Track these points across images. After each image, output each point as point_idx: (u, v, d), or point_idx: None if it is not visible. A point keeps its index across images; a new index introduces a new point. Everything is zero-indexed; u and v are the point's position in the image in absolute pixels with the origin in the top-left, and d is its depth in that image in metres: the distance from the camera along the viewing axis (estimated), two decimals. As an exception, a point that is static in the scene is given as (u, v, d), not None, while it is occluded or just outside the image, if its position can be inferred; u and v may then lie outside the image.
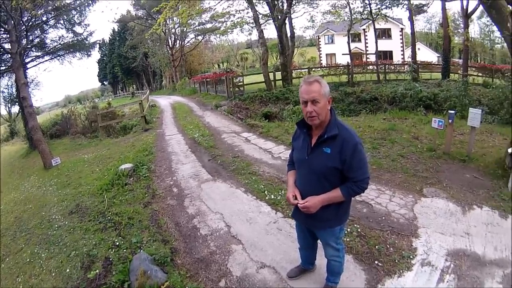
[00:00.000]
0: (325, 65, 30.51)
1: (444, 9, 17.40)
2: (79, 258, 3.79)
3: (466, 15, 16.28)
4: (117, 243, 3.92)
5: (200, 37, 42.54)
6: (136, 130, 12.48)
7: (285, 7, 16.28)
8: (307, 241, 2.61)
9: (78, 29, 15.14)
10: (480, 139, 6.58)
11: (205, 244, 3.67)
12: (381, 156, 5.88)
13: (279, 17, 15.98)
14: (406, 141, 6.55)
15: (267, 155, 6.86)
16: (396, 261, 2.97)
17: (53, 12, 13.19)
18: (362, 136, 6.99)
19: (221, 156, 6.98)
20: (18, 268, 4.04)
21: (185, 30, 37.40)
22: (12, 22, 9.87)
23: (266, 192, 4.80)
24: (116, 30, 53.47)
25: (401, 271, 2.85)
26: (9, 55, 11.05)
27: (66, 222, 4.98)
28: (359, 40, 35.64)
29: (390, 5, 19.77)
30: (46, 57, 14.87)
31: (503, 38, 5.49)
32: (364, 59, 28.40)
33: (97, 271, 3.41)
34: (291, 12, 18.86)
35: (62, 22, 14.33)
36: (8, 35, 10.58)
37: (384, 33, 34.45)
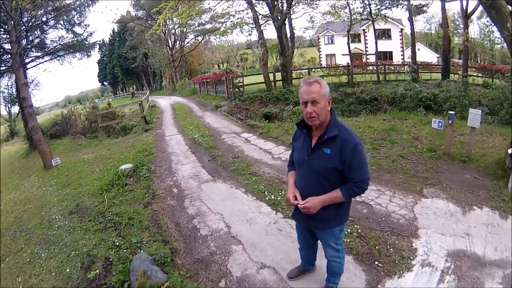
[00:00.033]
0: (325, 66, 30.53)
1: (443, 9, 17.43)
2: (79, 258, 3.79)
3: (466, 16, 16.29)
4: (117, 243, 3.92)
5: (200, 38, 42.59)
6: (136, 130, 12.48)
7: (284, 8, 16.29)
8: (307, 242, 2.61)
9: (78, 29, 15.18)
10: (480, 139, 6.58)
11: (205, 244, 3.67)
12: (381, 156, 5.88)
13: (279, 18, 15.98)
14: (406, 142, 6.56)
15: (267, 155, 6.86)
16: (396, 261, 2.97)
17: (53, 13, 13.19)
18: (362, 136, 7.00)
19: (221, 157, 6.98)
20: (18, 268, 4.04)
21: (185, 30, 37.45)
22: (12, 22, 9.87)
23: (266, 193, 4.80)
24: (116, 30, 53.54)
25: (401, 271, 2.85)
26: (9, 56, 11.05)
27: (66, 222, 4.97)
28: (359, 41, 35.67)
29: (389, 6, 19.76)
30: (46, 58, 14.89)
31: (502, 39, 5.50)
32: (364, 60, 28.41)
33: (97, 271, 3.41)
34: (291, 13, 18.87)
35: (62, 22, 14.35)
36: (8, 36, 10.58)
37: (384, 34, 34.47)
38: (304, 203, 2.07)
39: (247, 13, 16.93)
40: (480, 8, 14.39)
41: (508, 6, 4.84)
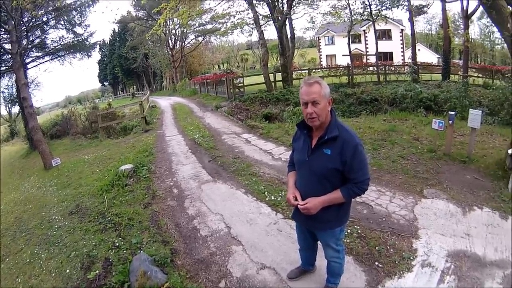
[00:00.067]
0: (326, 66, 30.54)
1: (444, 10, 17.43)
2: (79, 259, 3.79)
3: (466, 16, 16.30)
4: (117, 244, 3.92)
5: (200, 38, 42.64)
6: (136, 131, 12.48)
7: (285, 8, 16.31)
8: (307, 242, 2.61)
9: (78, 29, 15.22)
10: (481, 140, 6.58)
11: (205, 245, 3.67)
12: (381, 157, 5.87)
13: (279, 18, 16.00)
14: (406, 142, 6.55)
15: (267, 156, 6.86)
16: (397, 262, 2.97)
17: (53, 13, 13.21)
18: (362, 137, 6.99)
19: (222, 157, 6.98)
20: (18, 268, 4.04)
21: (185, 31, 37.48)
22: (13, 22, 9.89)
23: (266, 193, 4.80)
24: (117, 31, 53.62)
25: (401, 272, 2.85)
26: (10, 56, 11.07)
27: (66, 223, 4.97)
28: (359, 41, 35.65)
29: (390, 6, 19.77)
30: (47, 58, 14.92)
31: (503, 39, 5.49)
32: (364, 60, 28.41)
33: (97, 271, 3.40)
34: (291, 13, 18.85)
35: (62, 22, 14.38)
36: (8, 36, 10.60)
37: (384, 34, 34.47)
38: (304, 204, 2.07)
39: (248, 13, 16.94)
40: (481, 8, 14.39)
41: (509, 6, 4.84)
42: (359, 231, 3.52)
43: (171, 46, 40.97)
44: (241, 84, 17.04)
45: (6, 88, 17.61)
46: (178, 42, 41.32)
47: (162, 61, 42.38)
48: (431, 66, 22.31)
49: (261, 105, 14.31)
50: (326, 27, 35.46)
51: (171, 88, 38.71)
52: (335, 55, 36.30)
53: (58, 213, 5.49)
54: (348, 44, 21.52)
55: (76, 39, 15.15)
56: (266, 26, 19.90)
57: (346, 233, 3.42)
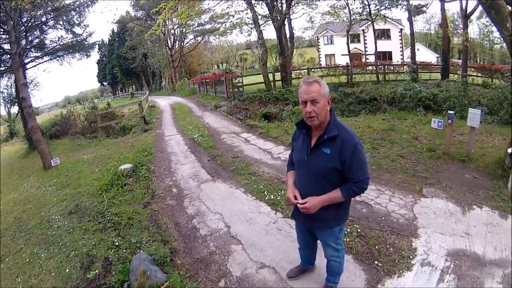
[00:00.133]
0: (325, 66, 30.52)
1: (443, 9, 17.42)
2: (79, 258, 3.78)
3: (465, 16, 16.29)
4: (117, 243, 3.92)
5: (199, 38, 42.62)
6: (136, 130, 12.48)
7: (284, 8, 16.30)
8: (306, 241, 2.61)
9: (77, 29, 15.16)
10: (480, 139, 6.59)
11: (205, 244, 3.67)
12: (380, 156, 5.88)
13: (278, 18, 15.98)
14: (405, 142, 6.56)
15: (266, 155, 6.86)
16: (396, 261, 2.97)
17: (52, 13, 13.18)
18: (361, 136, 7.00)
19: (221, 157, 6.98)
20: (17, 268, 4.03)
21: (184, 31, 37.46)
22: (12, 22, 9.86)
23: (265, 193, 4.80)
24: (116, 31, 53.53)
25: (401, 271, 2.85)
26: (9, 56, 11.03)
27: (66, 222, 4.97)
28: (358, 41, 35.71)
29: (389, 6, 19.77)
30: (46, 58, 14.87)
31: (502, 39, 5.50)
32: (363, 60, 28.44)
33: (97, 271, 3.40)
34: (290, 13, 18.88)
35: (61, 22, 14.35)
36: (7, 36, 10.56)
37: (383, 34, 34.48)
38: (303, 203, 2.07)
39: (247, 13, 16.94)
40: (480, 8, 14.40)
41: (508, 6, 4.84)
42: (358, 230, 3.53)
43: (170, 46, 40.95)
44: (240, 84, 17.01)
45: (5, 88, 17.66)
46: (177, 42, 41.31)
47: (161, 61, 42.34)
48: (430, 65, 22.30)
49: (260, 105, 14.30)
50: (325, 27, 35.51)
51: (170, 88, 38.70)
52: (334, 54, 36.30)
53: (58, 213, 5.49)
54: (347, 43, 21.53)
55: (75, 39, 15.12)
56: (265, 26, 19.91)
57: (345, 232, 3.42)
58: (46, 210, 5.81)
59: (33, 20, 11.75)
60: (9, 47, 10.45)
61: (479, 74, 19.37)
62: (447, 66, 17.91)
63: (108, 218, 4.70)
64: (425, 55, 35.16)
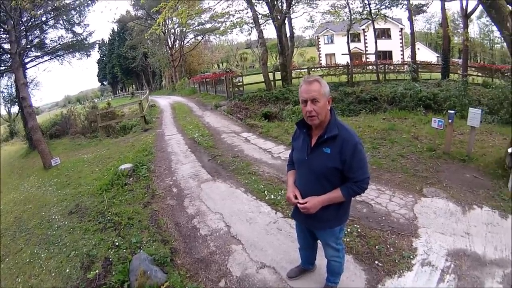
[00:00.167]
0: (325, 65, 30.50)
1: (443, 9, 17.41)
2: (79, 258, 3.79)
3: (466, 15, 16.28)
4: (117, 243, 3.92)
5: (199, 37, 42.52)
6: (136, 130, 12.48)
7: (284, 7, 16.29)
8: (307, 241, 2.60)
9: (77, 29, 15.15)
10: (480, 139, 6.58)
11: (205, 244, 3.67)
12: (381, 156, 5.87)
13: (279, 17, 15.98)
14: (406, 141, 6.55)
15: (266, 155, 6.86)
16: (396, 261, 2.97)
17: (52, 12, 13.17)
18: (362, 136, 6.99)
19: (221, 156, 6.98)
20: (17, 268, 4.03)
21: (184, 30, 37.39)
22: (12, 22, 9.86)
23: (266, 192, 4.79)
24: (116, 30, 53.50)
25: (401, 271, 2.85)
26: (9, 55, 11.03)
27: (66, 222, 4.97)
28: (359, 40, 35.65)
29: (389, 5, 19.77)
30: (46, 57, 14.87)
31: (502, 38, 5.49)
32: (363, 59, 28.43)
33: (97, 271, 3.40)
34: (291, 12, 18.87)
35: (61, 22, 14.33)
36: (7, 35, 10.56)
37: (384, 33, 34.44)
38: (303, 203, 2.06)
39: (247, 12, 16.96)
40: (480, 7, 14.41)
41: (508, 5, 4.84)
42: (359, 230, 3.52)
43: (170, 45, 40.91)
44: (241, 83, 16.98)
45: (6, 88, 17.61)
46: (177, 41, 41.25)
47: (161, 61, 42.33)
48: (431, 65, 22.28)
49: (260, 104, 14.30)
50: (326, 26, 35.49)
51: (170, 87, 38.68)
52: (334, 54, 36.26)
53: (58, 213, 5.49)
54: (348, 43, 21.54)
55: (75, 39, 15.11)
56: (265, 25, 19.94)
57: (345, 232, 3.42)
58: (46, 210, 5.81)
59: (33, 19, 11.74)
60: (9, 47, 10.45)
61: (480, 74, 19.36)
62: (448, 65, 17.90)
63: (108, 218, 4.70)
64: (426, 54, 35.13)
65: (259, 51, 32.30)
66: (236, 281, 2.98)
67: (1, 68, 13.71)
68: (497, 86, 12.65)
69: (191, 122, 11.91)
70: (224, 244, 3.59)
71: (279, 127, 9.29)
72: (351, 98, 14.79)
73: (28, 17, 11.39)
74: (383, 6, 20.00)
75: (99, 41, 53.32)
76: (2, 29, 10.93)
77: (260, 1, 16.98)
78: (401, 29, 35.11)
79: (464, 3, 16.01)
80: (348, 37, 21.50)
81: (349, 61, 20.28)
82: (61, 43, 14.81)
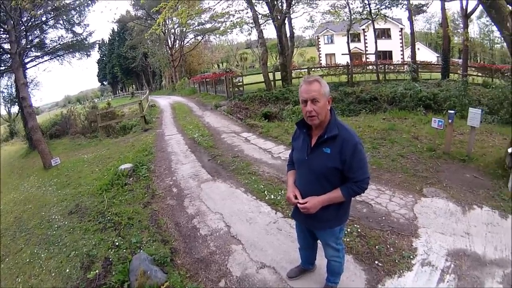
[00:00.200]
0: (325, 65, 30.49)
1: (443, 9, 17.41)
2: (79, 258, 3.78)
3: (466, 15, 16.28)
4: (117, 243, 3.92)
5: (199, 37, 42.52)
6: (136, 130, 12.48)
7: (284, 7, 16.29)
8: (307, 241, 2.60)
9: (77, 29, 15.16)
10: (480, 139, 6.58)
11: (205, 244, 3.66)
12: (381, 156, 5.87)
13: (279, 17, 15.98)
14: (406, 141, 6.55)
15: (266, 155, 6.86)
16: (396, 261, 2.97)
17: (52, 12, 13.17)
18: (361, 136, 6.99)
19: (221, 156, 6.98)
20: (17, 268, 4.03)
21: (184, 30, 37.40)
22: (12, 22, 9.86)
23: (266, 192, 4.79)
24: (116, 30, 53.51)
25: (401, 271, 2.85)
26: (9, 55, 11.03)
27: (66, 222, 4.97)
28: (359, 40, 35.65)
29: (389, 5, 19.78)
30: (46, 57, 14.87)
31: (502, 38, 5.49)
32: (363, 59, 28.42)
33: (97, 271, 3.40)
34: (291, 12, 18.87)
35: (61, 22, 14.33)
36: (7, 35, 10.57)
37: (384, 33, 34.45)
38: (303, 203, 2.06)
39: (247, 12, 16.97)
40: (480, 7, 14.40)
41: (508, 5, 4.84)
42: (359, 230, 3.52)
43: (170, 45, 40.91)
44: (241, 83, 16.98)
45: (6, 88, 17.62)
46: (177, 41, 41.25)
47: (161, 60, 42.33)
48: (431, 65, 22.29)
49: (260, 104, 14.29)
50: (326, 26, 35.49)
51: (170, 87, 38.68)
52: (334, 54, 36.26)
53: (58, 213, 5.49)
54: (348, 43, 21.54)
55: (75, 39, 15.11)
56: (265, 25, 19.94)
57: (345, 232, 3.42)
58: (46, 210, 5.81)
59: (33, 19, 11.75)
60: (9, 47, 10.45)
61: (480, 74, 19.37)
62: (448, 65, 17.90)
63: (108, 218, 4.70)
64: (426, 54, 35.13)
65: (259, 51, 32.31)
66: (236, 281, 2.98)
67: (1, 68, 13.72)
68: (497, 86, 12.65)
69: (191, 122, 11.91)
70: (224, 244, 3.59)
71: (279, 127, 9.29)
72: (351, 98, 14.79)
73: (28, 17, 11.39)
74: (383, 6, 20.01)
75: (99, 41, 53.37)
76: (2, 29, 10.94)
77: (260, 1, 17.00)
78: (401, 29, 35.12)
79: (464, 3, 16.03)
80: (348, 37, 21.51)
81: (349, 61, 20.28)
82: (61, 43, 14.82)
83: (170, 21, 27.19)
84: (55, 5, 12.55)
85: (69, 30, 14.84)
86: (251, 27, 20.40)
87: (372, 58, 25.67)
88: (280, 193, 4.69)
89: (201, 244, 3.68)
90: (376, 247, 3.20)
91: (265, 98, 14.73)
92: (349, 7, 20.64)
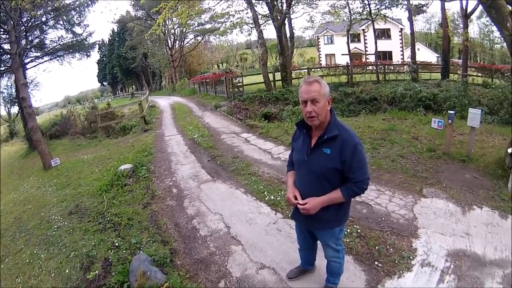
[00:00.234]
0: (325, 66, 30.50)
1: (443, 9, 17.42)
2: (79, 259, 3.78)
3: (466, 15, 16.29)
4: (117, 244, 3.91)
5: (199, 38, 42.56)
6: (136, 130, 12.48)
7: (284, 8, 16.30)
8: (306, 242, 2.60)
9: (77, 29, 15.18)
10: (480, 139, 6.58)
11: (205, 245, 3.66)
12: (380, 156, 5.87)
13: (279, 18, 15.98)
14: (405, 142, 6.55)
15: (266, 155, 6.86)
16: (396, 261, 2.97)
17: (52, 13, 13.18)
18: (361, 136, 6.99)
19: (221, 157, 6.98)
20: (17, 268, 4.03)
21: (184, 30, 37.39)
22: (12, 22, 9.87)
23: (265, 193, 4.79)
24: (116, 30, 53.56)
25: (401, 271, 2.85)
26: (9, 56, 11.03)
27: (66, 223, 4.97)
28: (359, 41, 35.69)
29: (389, 6, 19.79)
30: (46, 58, 14.88)
31: (502, 38, 5.49)
32: (363, 60, 28.45)
33: (97, 272, 3.40)
34: (291, 13, 18.88)
35: (61, 22, 14.35)
36: (7, 36, 10.57)
37: (384, 34, 34.47)
38: (303, 204, 2.06)
39: (247, 13, 16.98)
40: (480, 7, 14.42)
41: (508, 5, 4.84)
42: (358, 230, 3.52)
43: (170, 46, 40.94)
44: (240, 84, 16.99)
45: (5, 88, 17.67)
46: (177, 42, 41.28)
47: (161, 61, 42.35)
48: (431, 65, 22.27)
49: (260, 105, 14.29)
50: (325, 27, 35.52)
51: (170, 87, 38.69)
52: (334, 54, 36.30)
53: (58, 213, 5.48)
54: (347, 43, 21.55)
55: (75, 39, 15.12)
56: (265, 26, 19.96)
57: (345, 232, 3.42)
58: (46, 211, 5.80)
59: (33, 20, 11.76)
60: (9, 47, 10.45)
61: (479, 74, 19.36)
62: (447, 66, 17.90)
63: (108, 218, 4.70)
64: (425, 54, 35.14)
65: (259, 52, 32.28)
66: (236, 281, 2.98)
67: (1, 68, 13.72)
68: (497, 86, 12.65)
69: (191, 123, 11.90)
70: (223, 245, 3.59)
71: (279, 127, 9.28)
72: (351, 98, 14.79)
73: (28, 18, 11.40)
74: (383, 6, 20.02)
75: (99, 41, 53.35)
76: (2, 30, 10.94)
77: (260, 1, 16.99)
78: (401, 29, 35.14)
79: (464, 3, 16.04)
80: (348, 37, 21.52)
81: (349, 62, 20.28)
82: (61, 43, 14.84)
83: (170, 22, 27.22)
84: (55, 5, 12.53)
85: (69, 30, 14.87)
86: (251, 28, 20.40)
87: (372, 59, 25.67)
88: (280, 193, 4.69)
89: (200, 244, 3.68)
90: (376, 247, 3.19)
91: (265, 99, 14.73)
92: (349, 8, 20.67)
